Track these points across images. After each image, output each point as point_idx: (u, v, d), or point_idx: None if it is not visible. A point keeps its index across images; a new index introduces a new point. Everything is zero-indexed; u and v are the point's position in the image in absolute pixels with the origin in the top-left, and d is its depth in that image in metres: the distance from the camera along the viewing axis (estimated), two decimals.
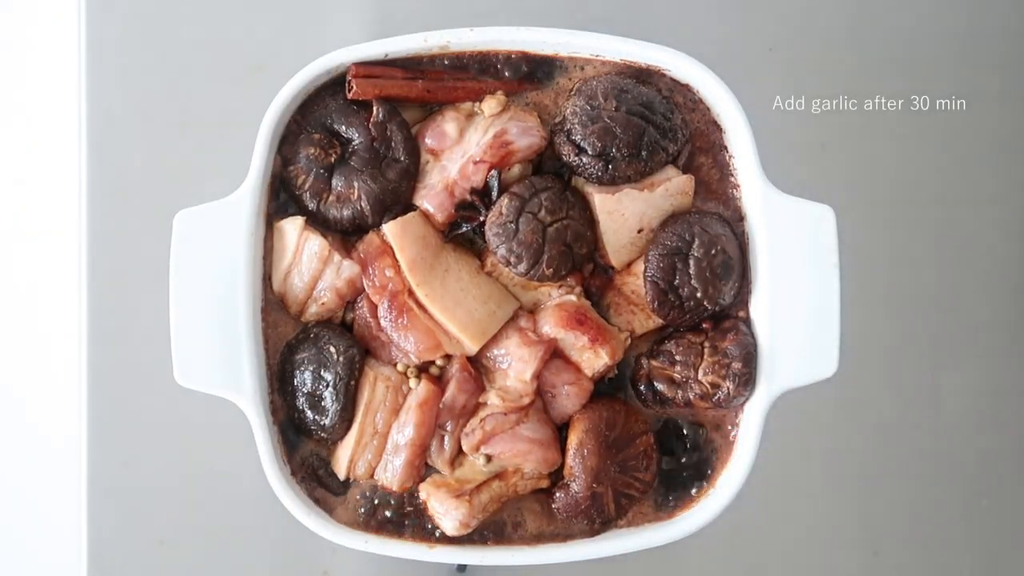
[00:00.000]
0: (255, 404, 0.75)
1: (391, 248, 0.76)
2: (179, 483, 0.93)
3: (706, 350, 0.77)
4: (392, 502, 0.79)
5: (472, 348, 0.77)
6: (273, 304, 0.78)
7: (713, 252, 0.75)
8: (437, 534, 0.78)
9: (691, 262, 0.75)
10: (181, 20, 0.94)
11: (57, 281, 1.05)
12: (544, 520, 0.80)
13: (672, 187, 0.77)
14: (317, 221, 0.77)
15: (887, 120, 0.96)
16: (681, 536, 0.78)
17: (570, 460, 0.78)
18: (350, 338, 0.78)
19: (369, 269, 0.77)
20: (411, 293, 0.76)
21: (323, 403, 0.77)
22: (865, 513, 0.98)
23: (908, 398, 0.98)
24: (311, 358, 0.77)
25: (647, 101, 0.76)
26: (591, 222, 0.76)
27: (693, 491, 0.80)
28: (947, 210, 0.98)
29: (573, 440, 0.78)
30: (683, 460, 0.80)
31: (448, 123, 0.77)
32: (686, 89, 0.79)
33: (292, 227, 0.77)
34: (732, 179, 0.79)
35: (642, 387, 0.79)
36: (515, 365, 0.77)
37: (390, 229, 0.76)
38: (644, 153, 0.75)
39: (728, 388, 0.76)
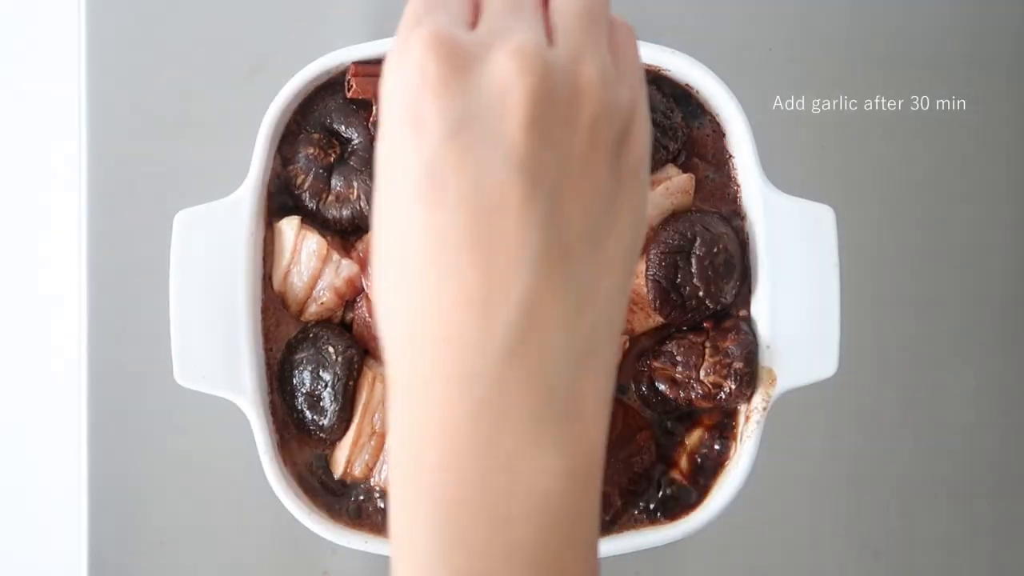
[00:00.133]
0: (255, 404, 0.75)
1: None
2: (179, 483, 0.93)
3: (707, 350, 0.77)
4: None
5: None
6: (274, 304, 0.78)
7: (715, 251, 0.75)
8: None
9: (693, 261, 0.75)
10: (181, 20, 0.94)
11: (57, 281, 1.05)
12: None
13: (672, 186, 0.77)
14: (316, 221, 0.78)
15: (887, 120, 0.96)
16: (681, 536, 0.77)
17: None
18: (349, 338, 0.78)
19: (368, 269, 0.76)
20: None
21: (322, 403, 0.77)
22: (865, 513, 0.98)
23: (908, 398, 0.98)
24: (310, 358, 0.77)
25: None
26: None
27: (692, 492, 0.80)
28: (947, 210, 0.98)
29: None
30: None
31: None
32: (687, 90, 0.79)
33: (289, 226, 0.77)
34: (732, 179, 0.79)
35: (644, 388, 0.79)
36: None
37: None
38: None
39: (730, 388, 0.76)
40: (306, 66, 0.76)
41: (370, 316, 0.77)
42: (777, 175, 0.76)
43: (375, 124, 0.76)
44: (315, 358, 0.77)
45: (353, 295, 0.78)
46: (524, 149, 0.42)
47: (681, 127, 0.77)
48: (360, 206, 0.76)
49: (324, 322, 0.79)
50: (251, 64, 0.94)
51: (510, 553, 0.44)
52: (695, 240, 0.75)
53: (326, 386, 0.77)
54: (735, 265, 0.77)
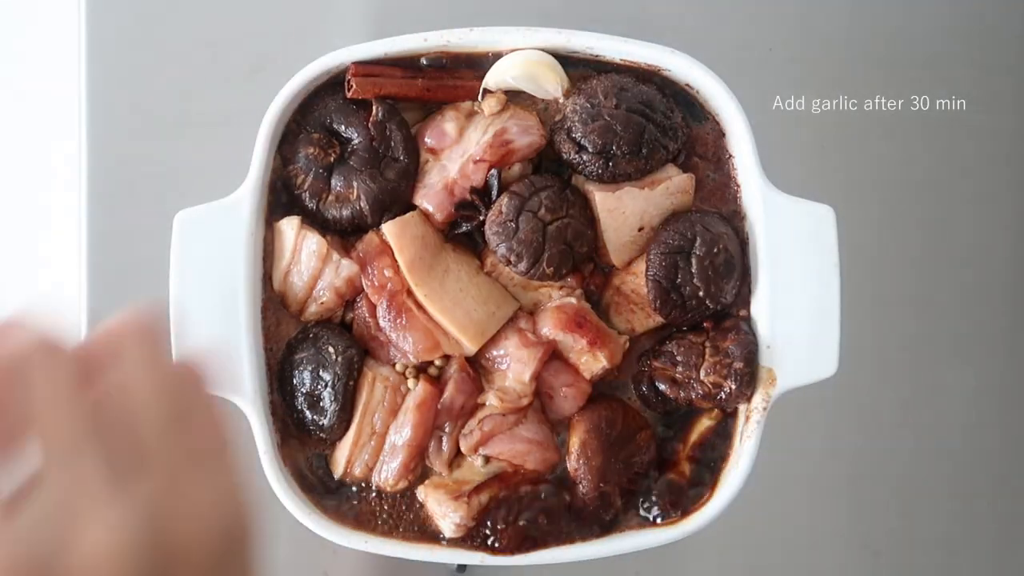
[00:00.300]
0: (255, 404, 0.75)
1: (390, 248, 0.76)
2: None
3: (707, 350, 0.77)
4: (392, 502, 0.79)
5: (471, 349, 0.77)
6: (274, 304, 0.78)
7: (715, 251, 0.75)
8: (438, 535, 0.78)
9: (693, 261, 0.75)
10: (181, 20, 0.94)
11: (57, 281, 1.05)
12: None
13: (673, 185, 0.77)
14: (316, 221, 0.77)
15: (887, 120, 0.96)
16: (681, 536, 0.78)
17: (574, 463, 0.78)
18: (349, 338, 0.78)
19: (368, 269, 0.76)
20: (410, 293, 0.76)
21: (322, 403, 0.77)
22: (865, 513, 0.98)
23: (908, 398, 0.98)
24: (310, 358, 0.77)
25: (647, 99, 0.76)
26: (591, 221, 0.76)
27: (692, 492, 0.80)
28: (947, 210, 0.98)
29: (575, 442, 0.78)
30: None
31: (448, 122, 0.77)
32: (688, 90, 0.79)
33: (289, 226, 0.77)
34: (732, 179, 0.79)
35: (644, 388, 0.79)
36: (514, 366, 0.77)
37: (389, 229, 0.76)
38: (645, 151, 0.75)
39: (730, 388, 0.76)
40: (306, 66, 0.76)
41: (370, 316, 0.77)
42: (777, 175, 0.76)
43: (375, 124, 0.76)
44: (315, 358, 0.77)
45: (353, 295, 0.78)
46: None
47: (681, 127, 0.77)
48: (360, 206, 0.76)
49: (324, 322, 0.79)
50: (251, 64, 0.94)
51: None
52: (695, 240, 0.75)
53: (326, 386, 0.77)
54: (735, 265, 0.77)
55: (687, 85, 0.78)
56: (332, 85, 0.78)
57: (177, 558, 0.45)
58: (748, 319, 0.78)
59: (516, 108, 0.78)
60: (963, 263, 0.98)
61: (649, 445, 0.79)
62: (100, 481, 0.44)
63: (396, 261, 0.76)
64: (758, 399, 0.76)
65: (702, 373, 0.77)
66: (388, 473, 0.77)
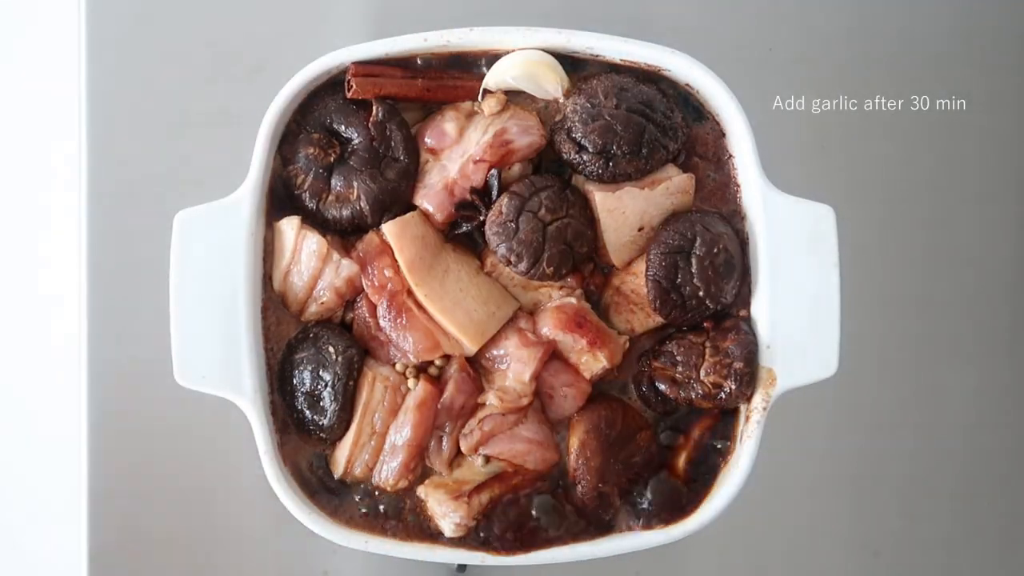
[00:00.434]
0: (255, 404, 0.75)
1: (390, 248, 0.76)
2: (179, 483, 0.93)
3: (707, 350, 0.77)
4: (392, 502, 0.79)
5: (471, 349, 0.77)
6: (274, 303, 0.78)
7: (715, 251, 0.75)
8: (438, 535, 0.78)
9: (693, 261, 0.75)
10: (181, 20, 0.94)
11: (57, 281, 1.05)
12: None
13: (673, 185, 0.77)
14: (316, 221, 0.77)
15: (887, 120, 0.96)
16: (681, 536, 0.78)
17: (574, 462, 0.78)
18: (349, 338, 0.77)
19: (368, 269, 0.76)
20: (410, 293, 0.76)
21: (322, 403, 0.77)
22: (865, 513, 0.98)
23: (908, 398, 0.98)
24: (310, 358, 0.77)
25: (647, 99, 0.76)
26: (591, 221, 0.76)
27: (692, 492, 0.80)
28: (947, 210, 0.98)
29: (575, 442, 0.78)
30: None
31: (448, 122, 0.77)
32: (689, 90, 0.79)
33: (289, 226, 0.77)
34: (732, 179, 0.79)
35: (644, 388, 0.79)
36: (514, 366, 0.77)
37: (389, 229, 0.76)
38: (644, 151, 0.75)
39: (730, 388, 0.76)
40: (306, 66, 0.76)
41: (370, 316, 0.77)
42: (777, 175, 0.76)
43: (375, 124, 0.76)
44: (315, 358, 0.77)
45: (353, 295, 0.78)
46: None
47: (681, 127, 0.77)
48: (360, 206, 0.76)
49: (324, 322, 0.79)
50: (251, 64, 0.94)
51: None
52: (695, 240, 0.75)
53: (326, 386, 0.77)
54: (735, 265, 0.77)
55: (687, 85, 0.78)
56: (332, 85, 0.78)
57: None
58: (748, 319, 0.78)
59: (516, 108, 0.78)
60: (963, 263, 0.98)
61: (649, 445, 0.79)
62: None
63: (396, 261, 0.76)
64: (758, 399, 0.76)
65: (702, 373, 0.77)
66: (388, 473, 0.77)
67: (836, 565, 0.97)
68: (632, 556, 0.78)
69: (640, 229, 0.77)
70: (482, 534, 0.78)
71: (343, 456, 0.78)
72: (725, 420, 0.79)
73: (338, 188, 0.77)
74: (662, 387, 0.78)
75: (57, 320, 1.05)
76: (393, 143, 0.77)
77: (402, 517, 0.79)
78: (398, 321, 0.76)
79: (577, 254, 0.76)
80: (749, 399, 0.77)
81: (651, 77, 0.78)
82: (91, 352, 0.93)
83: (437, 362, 0.78)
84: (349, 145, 0.77)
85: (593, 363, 0.78)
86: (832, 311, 0.74)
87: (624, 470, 0.78)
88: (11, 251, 1.10)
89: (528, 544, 0.78)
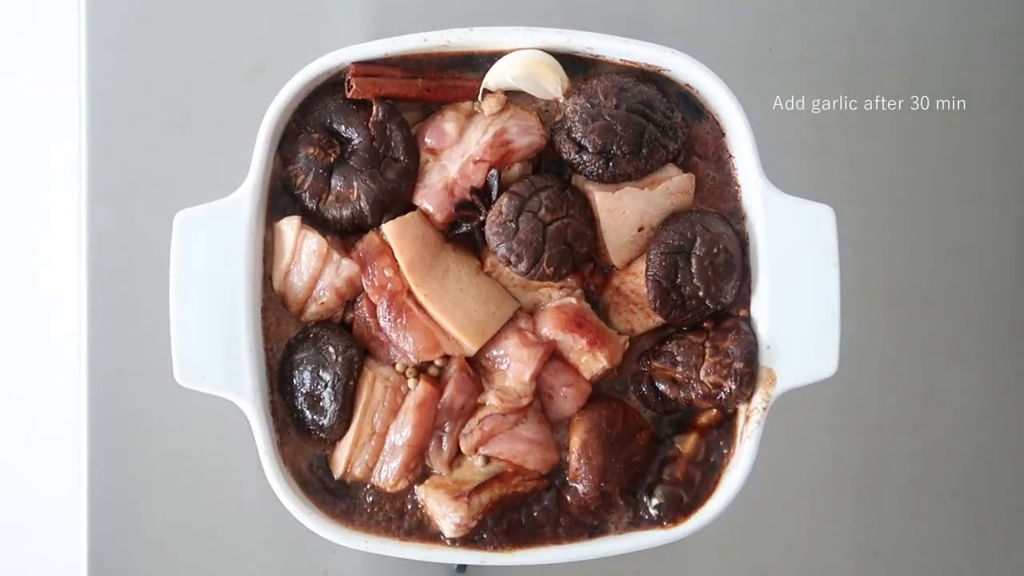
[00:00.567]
0: (255, 404, 0.75)
1: (390, 248, 0.76)
2: (179, 483, 0.93)
3: (707, 350, 0.77)
4: (392, 502, 0.79)
5: (471, 349, 0.77)
6: (274, 304, 0.78)
7: (715, 251, 0.75)
8: (438, 535, 0.78)
9: (693, 261, 0.75)
10: (181, 20, 0.94)
11: (57, 281, 1.05)
12: None
13: (673, 185, 0.77)
14: (316, 221, 0.77)
15: (887, 120, 0.96)
16: (681, 536, 0.78)
17: (574, 462, 0.78)
18: (349, 338, 0.77)
19: (368, 269, 0.76)
20: (410, 293, 0.76)
21: (322, 403, 0.77)
22: (865, 513, 0.98)
23: (908, 398, 0.98)
24: (310, 358, 0.77)
25: (647, 99, 0.76)
26: (591, 221, 0.76)
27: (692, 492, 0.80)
28: (947, 210, 0.98)
29: (576, 441, 0.78)
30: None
31: (448, 122, 0.77)
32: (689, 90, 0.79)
33: (289, 226, 0.77)
34: (732, 179, 0.79)
35: (644, 388, 0.79)
36: (514, 366, 0.77)
37: (389, 229, 0.76)
38: (644, 151, 0.75)
39: (730, 388, 0.76)
40: (306, 66, 0.76)
41: (370, 316, 0.77)
42: (777, 175, 0.76)
43: (375, 124, 0.76)
44: (315, 358, 0.77)
45: (353, 295, 0.78)
46: None
47: (681, 127, 0.77)
48: (360, 206, 0.76)
49: (324, 322, 0.79)
50: (251, 64, 0.94)
51: None
52: (695, 240, 0.75)
53: (326, 386, 0.77)
54: (735, 265, 0.77)
55: (687, 85, 0.78)
56: (332, 85, 0.78)
57: None
58: (748, 319, 0.78)
59: (516, 108, 0.78)
60: (963, 263, 0.98)
61: (649, 445, 0.79)
62: None
63: (396, 261, 0.76)
64: (758, 399, 0.76)
65: (702, 373, 0.77)
66: (388, 473, 0.77)
67: (836, 565, 0.97)
68: (632, 556, 0.78)
69: (640, 229, 0.77)
70: (482, 534, 0.78)
71: (343, 456, 0.78)
72: (725, 420, 0.79)
73: (338, 188, 0.77)
74: (662, 387, 0.78)
75: (57, 320, 1.05)
76: (393, 143, 0.77)
77: (402, 517, 0.79)
78: (398, 321, 0.76)
79: (577, 254, 0.76)
80: (749, 399, 0.77)
81: (650, 77, 0.78)
82: (91, 352, 0.93)
83: (437, 362, 0.78)
84: (349, 145, 0.77)
85: (593, 363, 0.78)
86: (832, 311, 0.74)
87: (625, 469, 0.78)
88: (11, 251, 1.10)
89: (528, 544, 0.78)
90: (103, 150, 0.93)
